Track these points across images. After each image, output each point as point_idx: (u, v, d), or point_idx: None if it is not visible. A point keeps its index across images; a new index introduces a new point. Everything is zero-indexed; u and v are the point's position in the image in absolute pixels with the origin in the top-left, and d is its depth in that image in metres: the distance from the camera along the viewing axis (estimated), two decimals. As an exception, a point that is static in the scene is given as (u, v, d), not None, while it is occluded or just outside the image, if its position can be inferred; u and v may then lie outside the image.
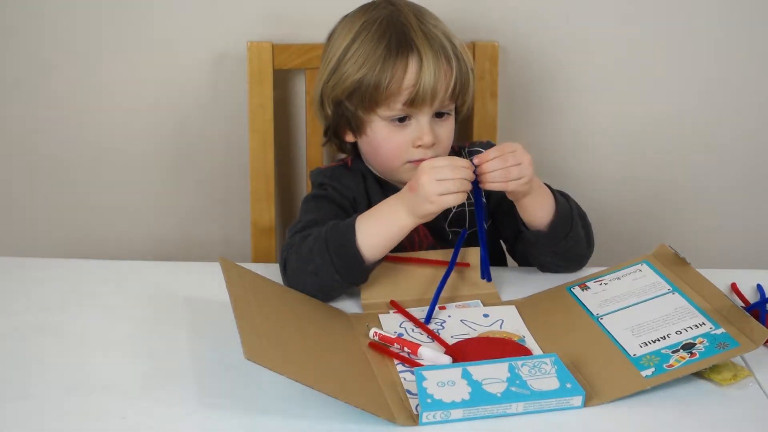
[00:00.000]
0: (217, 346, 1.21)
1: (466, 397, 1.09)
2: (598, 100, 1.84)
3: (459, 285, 1.37)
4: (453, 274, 1.36)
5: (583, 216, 1.43)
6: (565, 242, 1.38)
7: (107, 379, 1.15)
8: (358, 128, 1.43)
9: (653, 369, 1.15)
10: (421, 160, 1.35)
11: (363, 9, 1.45)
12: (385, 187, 1.48)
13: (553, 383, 1.11)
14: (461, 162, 1.28)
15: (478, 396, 1.09)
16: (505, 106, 1.79)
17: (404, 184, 1.34)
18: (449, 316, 1.30)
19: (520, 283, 1.40)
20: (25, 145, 1.82)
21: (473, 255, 1.39)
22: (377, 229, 1.30)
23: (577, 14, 1.79)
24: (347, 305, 1.33)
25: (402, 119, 1.39)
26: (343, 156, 1.55)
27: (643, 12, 1.79)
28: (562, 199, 1.39)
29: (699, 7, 1.79)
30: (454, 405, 1.08)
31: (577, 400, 1.11)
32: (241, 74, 1.73)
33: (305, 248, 1.32)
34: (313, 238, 1.32)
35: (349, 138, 1.46)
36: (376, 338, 1.23)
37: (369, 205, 1.45)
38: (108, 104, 1.80)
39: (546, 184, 1.39)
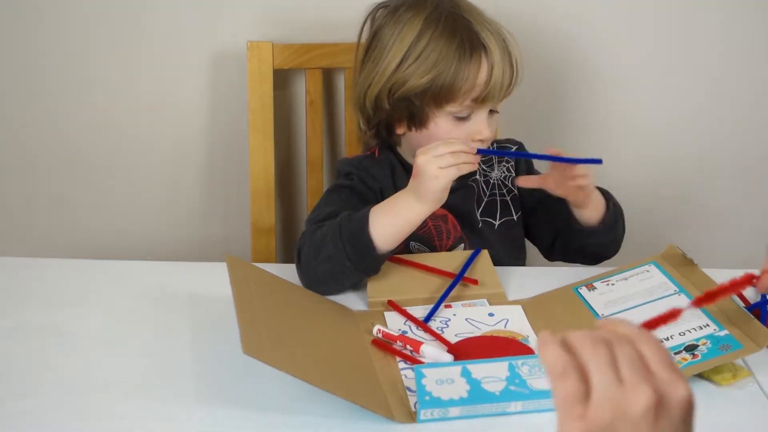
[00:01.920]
0: (218, 346, 1.21)
1: (464, 395, 1.08)
2: (598, 99, 1.85)
3: (467, 284, 1.37)
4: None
5: (621, 211, 1.51)
6: (615, 234, 1.48)
7: (107, 379, 1.15)
8: (421, 122, 1.44)
9: (657, 369, 1.15)
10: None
11: (409, 3, 1.44)
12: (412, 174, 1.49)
13: None
14: (453, 140, 1.33)
15: (477, 394, 1.09)
16: (505, 105, 1.78)
17: None
18: (454, 315, 1.30)
19: (527, 283, 1.40)
20: (25, 146, 1.82)
21: (481, 271, 1.39)
22: (390, 219, 1.31)
23: (577, 14, 1.79)
24: (353, 302, 1.33)
25: (463, 116, 1.42)
26: (372, 145, 1.55)
27: (644, 11, 1.79)
28: (610, 197, 1.47)
29: (700, 4, 1.79)
30: (452, 403, 1.08)
31: None
32: (241, 74, 1.73)
33: (319, 236, 1.33)
34: (327, 227, 1.34)
35: (401, 130, 1.47)
36: (380, 335, 1.23)
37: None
38: (108, 104, 1.80)
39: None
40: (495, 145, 1.56)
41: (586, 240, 1.46)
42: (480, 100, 1.40)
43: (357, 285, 1.36)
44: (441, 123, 1.42)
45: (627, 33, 1.81)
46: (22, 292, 1.35)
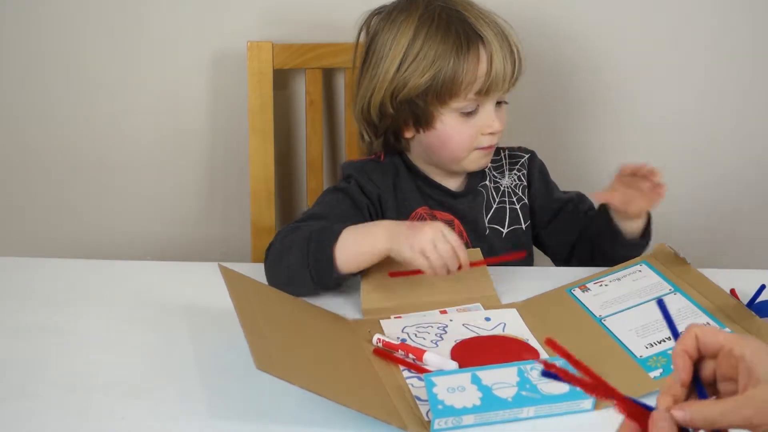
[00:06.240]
0: (217, 346, 1.21)
1: (477, 402, 1.07)
2: (598, 100, 1.84)
3: (458, 287, 1.36)
4: (449, 276, 1.35)
5: None
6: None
7: (107, 379, 1.15)
8: (427, 123, 1.44)
9: (661, 370, 1.14)
10: (489, 147, 1.43)
11: (402, 6, 1.44)
12: (419, 178, 1.49)
13: (563, 386, 1.09)
14: (461, 251, 1.28)
15: (490, 401, 1.07)
16: (514, 111, 1.78)
17: (464, 172, 1.47)
18: (451, 320, 1.29)
19: (518, 284, 1.39)
20: (25, 145, 1.82)
21: (474, 271, 1.35)
22: (355, 243, 1.30)
23: (577, 14, 1.79)
24: (347, 310, 1.32)
25: (469, 111, 1.42)
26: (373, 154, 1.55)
27: (644, 12, 1.79)
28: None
29: (702, 5, 1.79)
30: (465, 411, 1.06)
31: (588, 403, 1.10)
32: (241, 74, 1.72)
33: (288, 240, 1.33)
34: (300, 232, 1.33)
35: (409, 134, 1.47)
36: (380, 345, 1.22)
37: (396, 199, 1.47)
38: (108, 104, 1.80)
39: None
40: (507, 152, 1.56)
41: (622, 250, 1.44)
42: (484, 92, 1.40)
43: (314, 294, 1.35)
44: (448, 121, 1.42)
45: (637, 34, 1.80)
46: (22, 292, 1.35)
